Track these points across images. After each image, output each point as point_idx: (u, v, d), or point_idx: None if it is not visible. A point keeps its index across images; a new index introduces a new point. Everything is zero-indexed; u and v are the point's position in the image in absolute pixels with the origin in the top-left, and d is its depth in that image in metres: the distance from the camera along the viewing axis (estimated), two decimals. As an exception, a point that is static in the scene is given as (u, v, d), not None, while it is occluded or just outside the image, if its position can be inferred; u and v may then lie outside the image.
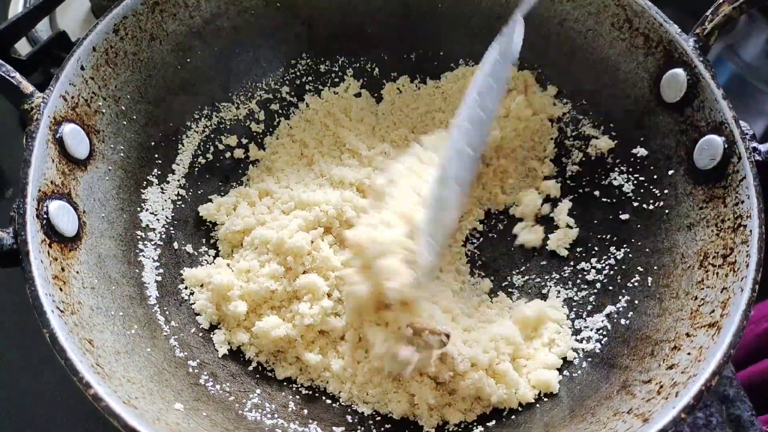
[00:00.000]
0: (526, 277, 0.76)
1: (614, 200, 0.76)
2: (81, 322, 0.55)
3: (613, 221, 0.75)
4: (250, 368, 0.68)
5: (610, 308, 0.70)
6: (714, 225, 0.62)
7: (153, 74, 0.73)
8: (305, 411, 0.65)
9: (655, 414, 0.53)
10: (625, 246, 0.73)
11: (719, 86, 0.64)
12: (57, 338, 0.50)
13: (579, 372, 0.67)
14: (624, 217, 0.74)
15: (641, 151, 0.73)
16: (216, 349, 0.68)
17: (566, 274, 0.75)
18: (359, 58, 0.87)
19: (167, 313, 0.67)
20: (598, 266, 0.74)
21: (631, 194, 0.74)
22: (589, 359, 0.67)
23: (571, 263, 0.75)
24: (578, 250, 0.76)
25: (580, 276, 0.74)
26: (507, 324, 0.68)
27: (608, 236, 0.75)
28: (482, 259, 0.77)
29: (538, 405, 0.65)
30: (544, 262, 0.76)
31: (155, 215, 0.72)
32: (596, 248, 0.75)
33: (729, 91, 0.64)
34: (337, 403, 0.67)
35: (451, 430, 0.64)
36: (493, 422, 0.65)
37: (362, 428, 0.65)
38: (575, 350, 0.69)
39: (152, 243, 0.70)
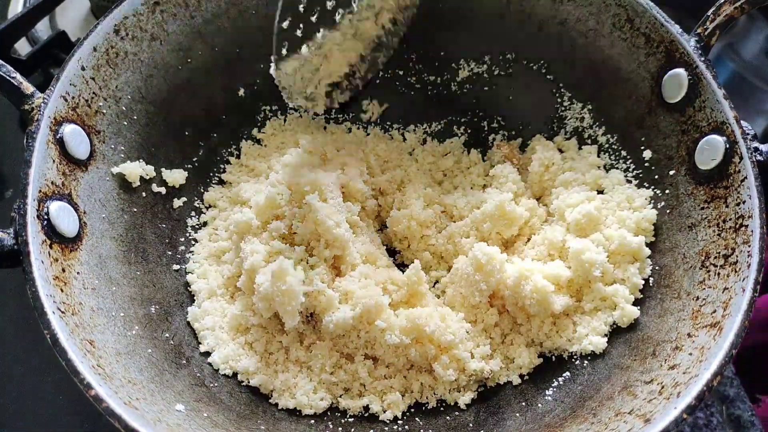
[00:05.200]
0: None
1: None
2: (82, 323, 0.55)
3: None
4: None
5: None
6: (715, 225, 0.62)
7: (153, 74, 0.73)
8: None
9: (656, 414, 0.53)
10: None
11: (720, 86, 0.64)
12: (58, 339, 0.50)
13: (580, 372, 0.67)
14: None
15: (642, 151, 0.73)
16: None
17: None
18: (360, 58, 0.87)
19: (169, 314, 0.68)
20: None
21: (632, 194, 0.74)
22: (591, 359, 0.67)
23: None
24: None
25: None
26: None
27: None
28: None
29: (540, 405, 0.65)
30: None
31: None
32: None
33: (729, 89, 0.64)
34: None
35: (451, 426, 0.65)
36: (495, 423, 0.65)
37: (360, 420, 0.65)
38: (577, 350, 0.69)
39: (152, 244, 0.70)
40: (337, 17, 0.68)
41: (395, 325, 0.64)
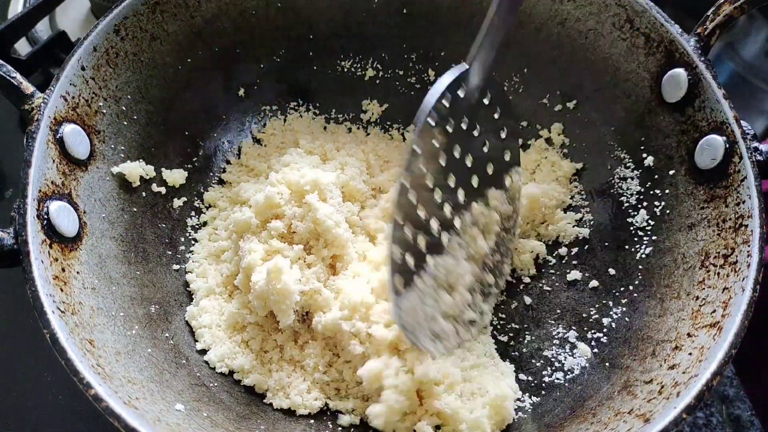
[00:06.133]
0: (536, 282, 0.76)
1: (615, 200, 0.76)
2: (82, 322, 0.55)
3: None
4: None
5: (611, 308, 0.70)
6: (715, 225, 0.62)
7: (154, 74, 0.73)
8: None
9: (656, 414, 0.53)
10: (626, 246, 0.73)
11: (720, 86, 0.64)
12: (57, 339, 0.50)
13: (580, 372, 0.67)
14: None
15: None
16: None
17: (569, 279, 0.75)
18: (359, 57, 0.87)
19: (169, 313, 0.67)
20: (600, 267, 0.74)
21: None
22: (591, 359, 0.67)
23: (574, 263, 0.76)
24: (574, 251, 0.76)
25: (581, 280, 0.74)
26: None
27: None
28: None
29: (540, 405, 0.65)
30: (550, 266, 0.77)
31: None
32: (598, 249, 0.75)
33: (729, 89, 0.64)
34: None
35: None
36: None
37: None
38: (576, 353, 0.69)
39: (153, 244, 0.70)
40: (445, 242, 0.60)
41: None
